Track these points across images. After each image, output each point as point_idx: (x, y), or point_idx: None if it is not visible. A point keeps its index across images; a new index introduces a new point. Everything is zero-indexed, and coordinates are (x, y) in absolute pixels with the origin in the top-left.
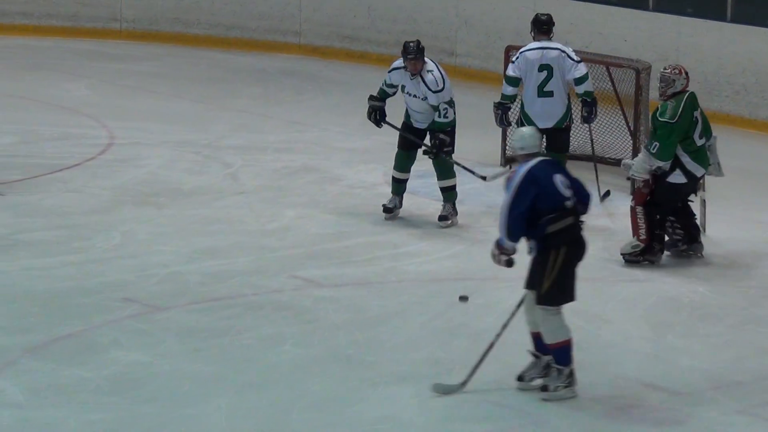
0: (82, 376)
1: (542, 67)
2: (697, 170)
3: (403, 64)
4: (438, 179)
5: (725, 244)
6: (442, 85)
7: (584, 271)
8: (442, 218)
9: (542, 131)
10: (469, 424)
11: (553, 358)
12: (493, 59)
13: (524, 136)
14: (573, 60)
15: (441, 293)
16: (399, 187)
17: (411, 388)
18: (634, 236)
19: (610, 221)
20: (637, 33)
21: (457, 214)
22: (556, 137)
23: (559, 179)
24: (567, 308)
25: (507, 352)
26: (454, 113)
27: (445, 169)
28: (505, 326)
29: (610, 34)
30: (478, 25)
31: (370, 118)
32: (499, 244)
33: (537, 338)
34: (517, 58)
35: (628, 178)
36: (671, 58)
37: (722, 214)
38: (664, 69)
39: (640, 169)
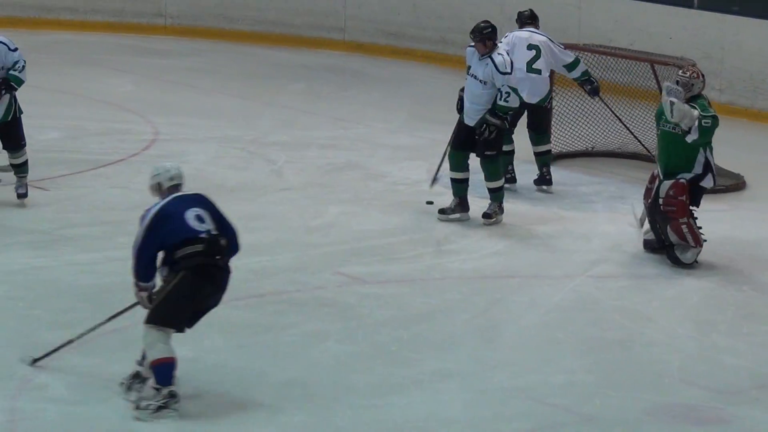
0: (126, 373)
1: (531, 47)
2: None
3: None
4: (486, 180)
5: None
6: (509, 69)
7: (627, 269)
8: (486, 216)
9: (526, 106)
10: (514, 422)
11: (153, 377)
12: None
13: (176, 168)
14: (559, 47)
15: (485, 291)
16: (459, 187)
17: (455, 385)
18: (695, 245)
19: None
20: (682, 31)
21: (502, 212)
22: (538, 113)
23: (192, 214)
24: (612, 306)
25: (553, 351)
26: (516, 102)
27: (493, 169)
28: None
29: (655, 32)
30: None
31: (457, 108)
32: (137, 284)
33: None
34: (506, 36)
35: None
36: (716, 56)
37: (766, 213)
38: (683, 73)
39: (680, 113)
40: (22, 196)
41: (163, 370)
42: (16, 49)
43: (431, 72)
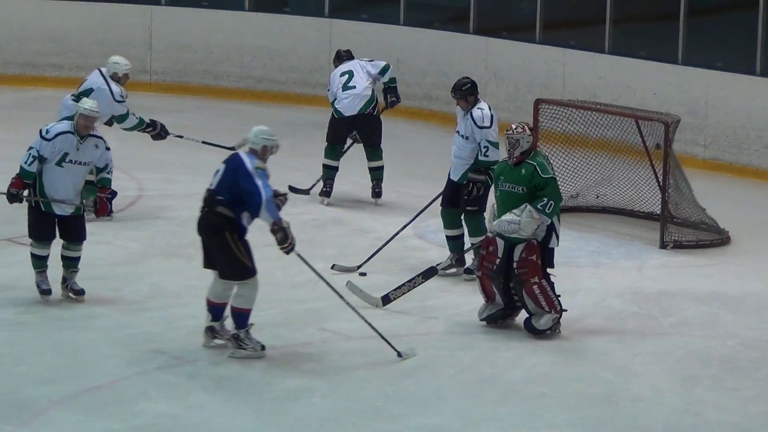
0: (110, 428)
1: (343, 73)
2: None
3: None
4: (469, 235)
5: (754, 297)
6: (489, 123)
7: (611, 324)
8: (467, 271)
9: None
10: None
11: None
12: (522, 112)
13: (252, 132)
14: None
15: (470, 346)
16: (455, 244)
17: None
18: (549, 310)
19: (638, 274)
20: (666, 86)
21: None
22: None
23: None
24: (596, 361)
25: (538, 405)
26: (497, 156)
27: (475, 225)
28: None
29: (639, 88)
30: (507, 78)
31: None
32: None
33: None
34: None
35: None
36: (700, 112)
37: (750, 268)
38: (507, 131)
39: (528, 229)
40: (79, 292)
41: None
42: (109, 149)
43: (417, 128)
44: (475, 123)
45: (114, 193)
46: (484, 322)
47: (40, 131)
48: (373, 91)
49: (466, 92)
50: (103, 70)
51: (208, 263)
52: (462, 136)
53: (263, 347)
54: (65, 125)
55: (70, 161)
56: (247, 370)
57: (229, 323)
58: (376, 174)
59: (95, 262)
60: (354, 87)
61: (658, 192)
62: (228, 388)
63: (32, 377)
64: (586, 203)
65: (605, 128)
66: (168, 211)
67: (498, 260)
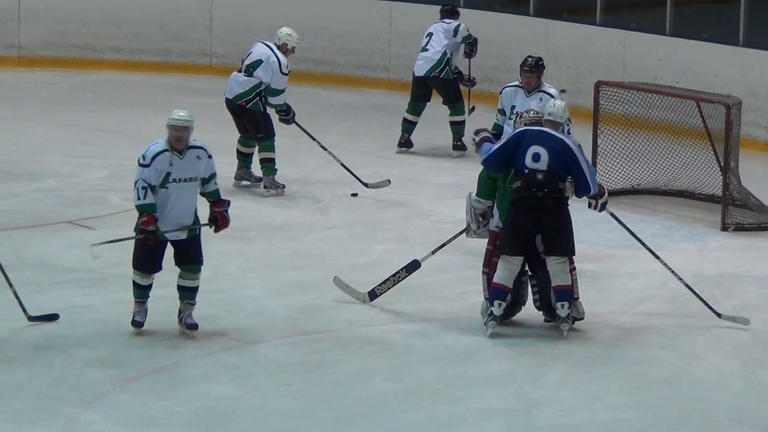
0: (172, 410)
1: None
2: None
3: (515, 83)
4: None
5: None
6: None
7: (673, 307)
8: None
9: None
10: None
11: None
12: (582, 94)
13: (555, 106)
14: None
15: (531, 328)
16: None
17: (500, 423)
18: (577, 297)
19: (700, 256)
20: (728, 68)
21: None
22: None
23: (531, 152)
24: (658, 343)
25: (599, 388)
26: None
27: None
28: None
29: (701, 70)
30: (568, 60)
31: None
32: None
33: None
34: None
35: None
36: (761, 94)
37: None
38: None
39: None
40: (192, 327)
41: (493, 292)
42: (211, 156)
43: (477, 110)
44: (554, 98)
45: (228, 203)
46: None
47: (138, 160)
48: (444, 53)
49: (542, 67)
50: (268, 42)
51: (549, 247)
52: None
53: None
54: (159, 145)
55: (174, 180)
56: (307, 352)
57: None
58: (456, 128)
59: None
60: (427, 50)
61: (720, 174)
62: (289, 370)
63: (95, 360)
64: (648, 186)
65: (666, 110)
66: (229, 194)
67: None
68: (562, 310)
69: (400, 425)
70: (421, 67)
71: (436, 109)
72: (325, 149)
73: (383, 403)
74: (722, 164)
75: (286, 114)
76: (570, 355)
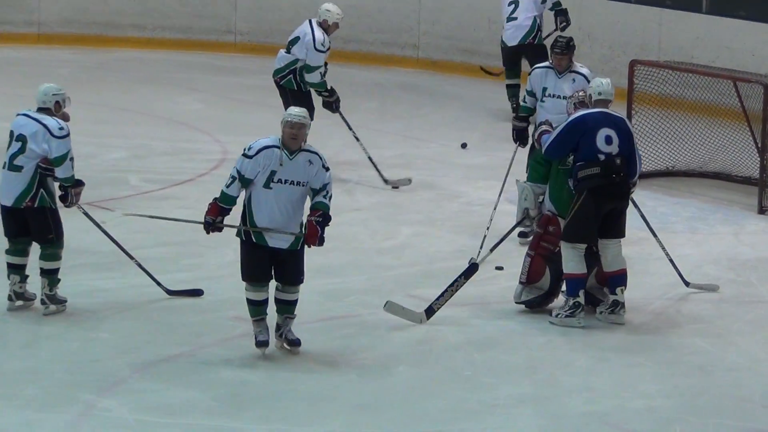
0: (192, 397)
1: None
2: None
3: (545, 65)
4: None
5: None
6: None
7: (708, 292)
8: (522, 235)
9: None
10: None
11: (565, 288)
12: (616, 74)
13: (603, 83)
14: None
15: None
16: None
17: (530, 410)
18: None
19: (736, 240)
20: (766, 47)
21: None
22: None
23: (603, 134)
24: (692, 329)
25: (631, 375)
26: None
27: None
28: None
29: (738, 49)
30: (602, 38)
31: (517, 139)
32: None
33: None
34: None
35: None
36: None
37: None
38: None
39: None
40: (294, 343)
41: (572, 283)
42: (328, 169)
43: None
44: (587, 79)
45: (328, 217)
46: (523, 306)
47: (244, 149)
48: (534, 19)
49: (573, 48)
50: (314, 19)
51: (610, 229)
52: (562, 97)
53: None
54: (270, 139)
55: (279, 181)
56: (331, 337)
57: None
58: (512, 91)
59: (178, 227)
60: (515, 18)
61: (757, 156)
62: (312, 356)
63: (112, 345)
64: (683, 167)
65: (702, 90)
66: None
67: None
68: (621, 295)
69: (427, 413)
70: (513, 36)
71: (465, 88)
72: (357, 139)
73: (409, 390)
74: (759, 145)
75: (330, 96)
76: (601, 342)
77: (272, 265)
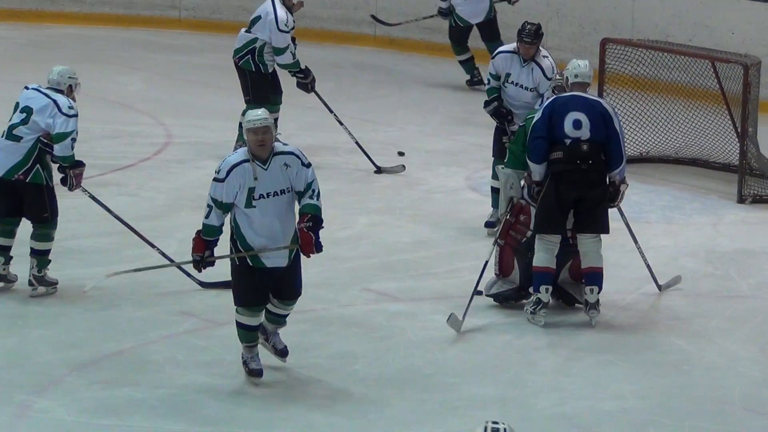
0: (134, 397)
1: None
2: None
3: (511, 49)
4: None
5: None
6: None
7: (684, 286)
8: (489, 224)
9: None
10: None
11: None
12: (587, 53)
13: (581, 65)
14: None
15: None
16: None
17: (494, 412)
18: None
19: (714, 231)
20: (746, 25)
21: None
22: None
23: (571, 118)
24: (667, 326)
25: (602, 375)
26: None
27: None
28: None
29: (716, 27)
30: (571, 15)
31: (499, 120)
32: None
33: None
34: None
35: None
36: None
37: None
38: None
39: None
40: (283, 353)
41: (537, 277)
42: (309, 165)
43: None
44: (545, 74)
45: (320, 220)
46: (492, 300)
47: (215, 173)
48: None
49: (542, 36)
50: None
51: (585, 223)
52: (527, 88)
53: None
54: (238, 154)
55: (261, 196)
56: (283, 335)
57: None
58: (469, 64)
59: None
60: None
61: (736, 141)
62: (264, 354)
63: (49, 341)
64: (657, 153)
65: (678, 71)
66: (198, 159)
67: (529, 233)
68: (591, 295)
69: (384, 415)
70: (474, 13)
71: (426, 68)
72: (341, 124)
73: (367, 390)
74: (739, 130)
75: (305, 77)
76: (571, 339)
77: (269, 285)
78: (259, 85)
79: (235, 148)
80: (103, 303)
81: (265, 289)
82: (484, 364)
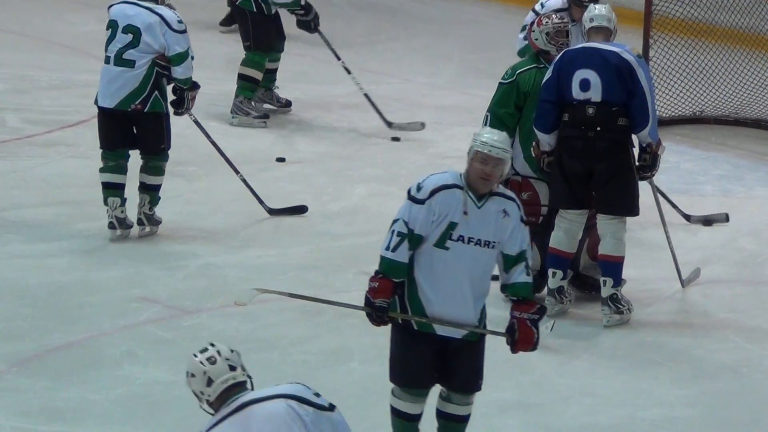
0: (85, 399)
1: None
2: None
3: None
4: None
5: None
6: None
7: (745, 272)
8: None
9: None
10: None
11: None
12: None
13: (597, 8)
14: None
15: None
16: None
17: (516, 420)
18: None
19: None
20: None
21: None
22: None
23: (579, 77)
24: (724, 320)
25: (645, 377)
26: None
27: None
28: None
29: None
30: None
31: None
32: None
33: None
34: None
35: None
36: None
37: None
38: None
39: None
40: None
41: (549, 260)
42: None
43: (490, 11)
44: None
45: (545, 310)
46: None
47: (409, 189)
48: None
49: None
50: None
51: (600, 202)
52: None
53: (630, 309)
54: (447, 175)
55: (460, 238)
56: (263, 326)
57: None
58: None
59: (68, 182)
60: None
61: None
62: (240, 349)
63: None
64: (714, 113)
65: (739, 14)
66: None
67: (544, 208)
68: (604, 288)
69: (384, 421)
70: None
71: (436, 7)
72: (349, 73)
73: (363, 392)
74: None
75: (306, 13)
76: (607, 335)
77: (436, 361)
78: (262, 29)
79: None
80: (48, 287)
81: (431, 364)
82: (504, 364)
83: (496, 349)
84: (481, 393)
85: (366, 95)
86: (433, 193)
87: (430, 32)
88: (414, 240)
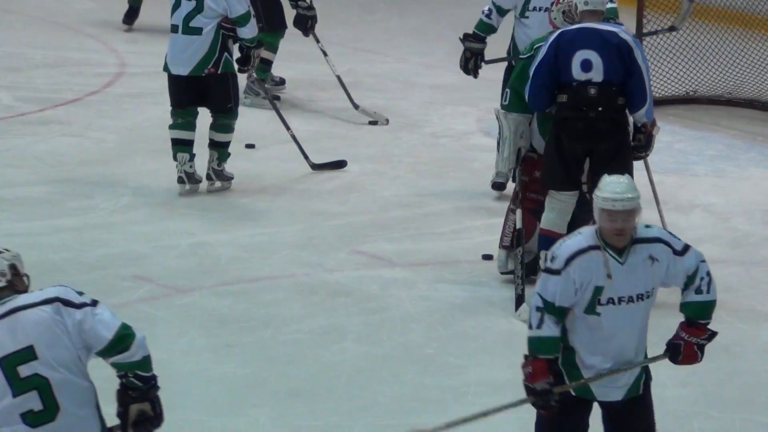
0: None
1: None
2: None
3: None
4: None
5: None
6: None
7: (738, 252)
8: (497, 185)
9: None
10: None
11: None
12: None
13: None
14: None
15: None
16: None
17: (510, 399)
18: None
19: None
20: None
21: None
22: None
23: (580, 58)
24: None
25: None
26: None
27: None
28: None
29: None
30: None
31: (465, 68)
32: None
33: None
34: None
35: None
36: None
37: None
38: None
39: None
40: None
41: (540, 241)
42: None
43: None
44: None
45: (715, 334)
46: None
47: (544, 262)
48: None
49: None
50: None
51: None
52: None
53: None
54: (581, 237)
55: (610, 301)
56: (256, 305)
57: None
58: None
59: (61, 160)
60: None
61: None
62: (232, 327)
63: None
64: (707, 93)
65: None
66: (156, 94)
67: None
68: None
69: (377, 401)
70: None
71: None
72: (325, 54)
73: (356, 372)
74: None
75: (308, 8)
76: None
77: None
78: (272, 7)
79: (248, 85)
80: (41, 266)
81: (582, 428)
82: (496, 344)
83: (488, 327)
84: (472, 372)
85: (338, 77)
86: (568, 261)
87: (424, 12)
88: (558, 312)
